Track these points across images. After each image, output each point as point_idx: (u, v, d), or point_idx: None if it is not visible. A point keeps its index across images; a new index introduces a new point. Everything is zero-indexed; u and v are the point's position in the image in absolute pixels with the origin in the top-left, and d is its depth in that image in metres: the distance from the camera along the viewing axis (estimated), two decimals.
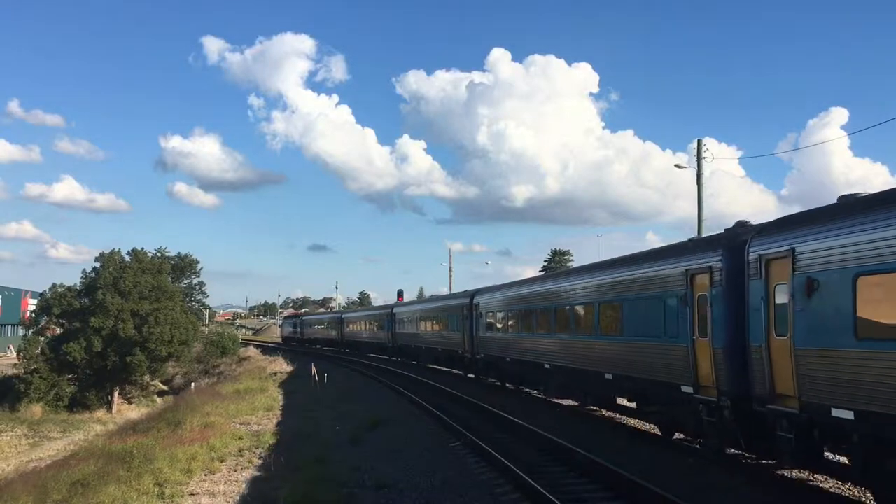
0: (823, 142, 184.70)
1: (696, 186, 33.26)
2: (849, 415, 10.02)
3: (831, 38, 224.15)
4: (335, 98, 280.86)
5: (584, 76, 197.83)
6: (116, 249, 55.45)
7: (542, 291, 24.52)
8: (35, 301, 70.15)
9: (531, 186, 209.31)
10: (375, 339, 58.96)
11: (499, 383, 31.43)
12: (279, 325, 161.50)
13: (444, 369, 41.17)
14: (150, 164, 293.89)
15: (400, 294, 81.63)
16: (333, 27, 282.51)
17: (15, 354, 60.90)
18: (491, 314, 30.38)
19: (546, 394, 24.81)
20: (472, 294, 34.09)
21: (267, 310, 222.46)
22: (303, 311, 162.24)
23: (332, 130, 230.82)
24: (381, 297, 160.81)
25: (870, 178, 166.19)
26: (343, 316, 75.65)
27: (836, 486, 12.36)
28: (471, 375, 35.34)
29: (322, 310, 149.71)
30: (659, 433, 17.53)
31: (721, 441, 14.09)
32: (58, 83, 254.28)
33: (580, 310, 20.71)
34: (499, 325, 29.36)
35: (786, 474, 13.26)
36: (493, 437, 17.76)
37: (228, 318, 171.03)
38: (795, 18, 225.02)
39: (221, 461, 19.24)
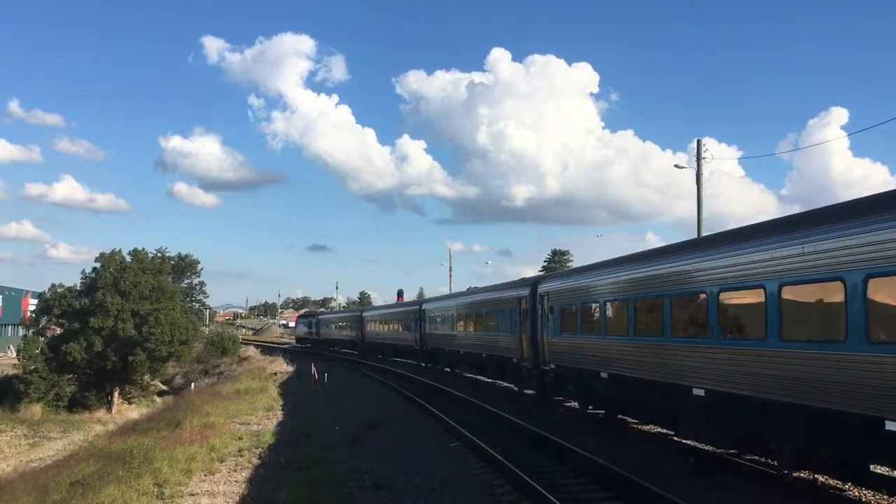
0: (823, 142, 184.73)
1: (695, 186, 33.25)
2: None
3: (831, 38, 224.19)
4: (335, 98, 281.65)
5: (584, 76, 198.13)
6: (117, 249, 55.47)
7: (688, 269, 14.52)
8: (35, 301, 70.13)
9: (531, 186, 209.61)
10: (401, 341, 50.82)
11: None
12: (279, 325, 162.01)
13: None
14: (150, 164, 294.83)
15: (400, 294, 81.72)
16: (333, 27, 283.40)
17: (15, 354, 60.89)
18: (571, 308, 21.03)
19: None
20: (535, 282, 25.70)
21: (267, 310, 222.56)
22: (303, 310, 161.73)
23: (332, 130, 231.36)
24: (381, 297, 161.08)
25: (869, 178, 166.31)
26: (363, 314, 66.17)
27: (836, 485, 12.35)
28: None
29: (323, 309, 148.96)
30: None
31: None
32: (58, 83, 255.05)
33: (807, 294, 11.23)
34: (588, 324, 19.85)
35: (784, 473, 13.25)
36: None
37: (228, 318, 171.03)
38: (795, 18, 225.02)
39: (221, 461, 19.26)
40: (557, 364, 22.44)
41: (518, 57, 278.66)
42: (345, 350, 69.80)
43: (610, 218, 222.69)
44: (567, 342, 21.54)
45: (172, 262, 72.31)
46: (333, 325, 78.69)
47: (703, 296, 13.84)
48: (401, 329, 50.86)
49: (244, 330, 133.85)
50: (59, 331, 54.38)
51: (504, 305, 28.58)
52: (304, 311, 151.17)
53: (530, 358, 25.12)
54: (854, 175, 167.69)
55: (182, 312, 57.42)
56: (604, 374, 18.52)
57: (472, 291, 39.25)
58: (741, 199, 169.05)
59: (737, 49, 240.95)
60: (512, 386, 29.26)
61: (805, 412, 10.91)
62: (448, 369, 39.07)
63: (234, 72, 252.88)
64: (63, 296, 53.25)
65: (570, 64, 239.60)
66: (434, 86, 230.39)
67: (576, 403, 22.27)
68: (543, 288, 24.09)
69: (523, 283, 27.91)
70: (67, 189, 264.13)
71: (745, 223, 14.71)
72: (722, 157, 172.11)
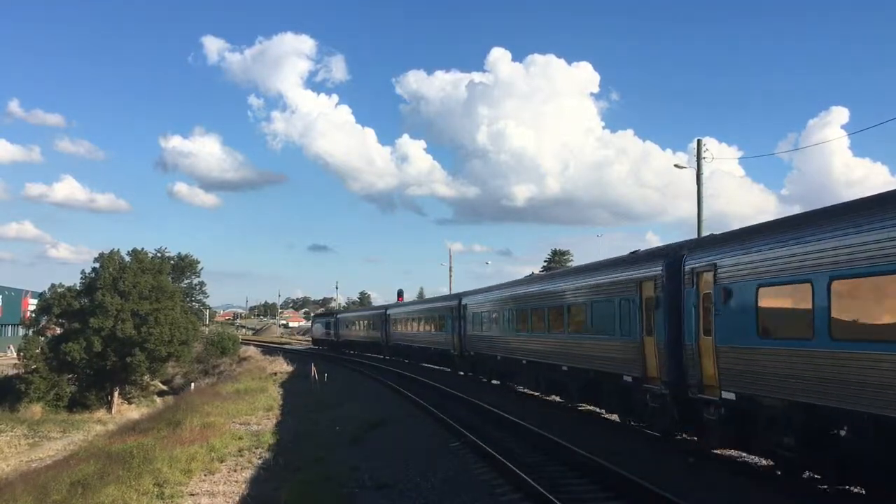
0: (823, 142, 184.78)
1: (696, 186, 33.25)
2: None
3: (831, 38, 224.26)
4: (335, 98, 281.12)
5: (585, 76, 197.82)
6: (116, 250, 55.55)
7: None
8: (35, 301, 70.17)
9: (531, 186, 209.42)
10: (434, 344, 42.19)
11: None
12: (279, 325, 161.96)
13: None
14: (150, 164, 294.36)
15: (400, 294, 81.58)
16: (333, 27, 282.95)
17: (15, 354, 60.94)
18: (794, 290, 11.84)
19: None
20: (673, 253, 16.15)
21: (267, 310, 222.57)
22: (304, 308, 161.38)
23: (332, 130, 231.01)
24: (381, 297, 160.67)
25: (870, 178, 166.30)
26: (388, 312, 56.67)
27: (837, 485, 12.33)
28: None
29: (317, 306, 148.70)
30: None
31: None
32: (58, 83, 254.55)
33: None
34: (863, 322, 10.56)
35: (784, 473, 13.24)
36: None
37: (228, 318, 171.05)
38: (795, 18, 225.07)
39: (221, 461, 19.28)
40: (742, 392, 13.00)
41: (518, 57, 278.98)
42: (367, 353, 61.16)
43: (610, 218, 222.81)
44: (772, 354, 12.15)
45: (172, 262, 72.32)
46: (354, 326, 69.34)
47: None
48: (433, 329, 42.52)
49: (244, 330, 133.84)
50: (59, 331, 54.46)
51: (607, 294, 19.04)
52: (318, 309, 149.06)
53: (666, 377, 15.68)
54: (854, 175, 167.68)
55: (182, 312, 57.42)
56: None
57: (536, 278, 28.69)
58: (742, 198, 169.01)
59: (737, 49, 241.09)
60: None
61: None
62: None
63: (234, 72, 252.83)
64: (63, 296, 53.29)
65: (570, 63, 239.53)
66: (434, 86, 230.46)
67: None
68: (703, 260, 14.41)
69: (649, 256, 17.75)
70: (67, 189, 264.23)
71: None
72: (722, 157, 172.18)
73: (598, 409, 21.50)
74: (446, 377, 36.14)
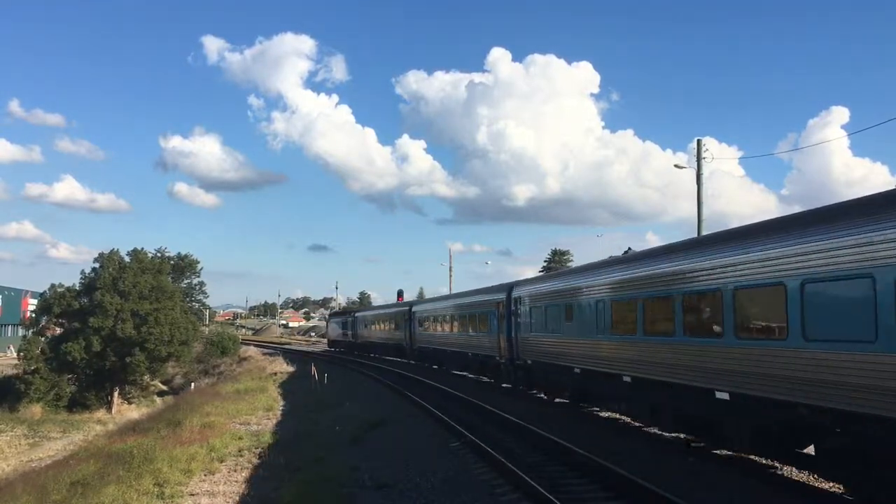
0: (823, 142, 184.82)
1: (696, 186, 33.26)
2: None
3: (831, 38, 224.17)
4: (335, 98, 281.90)
5: (585, 76, 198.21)
6: (116, 250, 55.63)
7: None
8: (35, 301, 70.18)
9: (532, 186, 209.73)
10: (472, 349, 34.15)
11: None
12: (279, 325, 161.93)
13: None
14: (150, 164, 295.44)
15: (400, 294, 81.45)
16: (333, 27, 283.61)
17: (15, 354, 60.95)
18: None
19: None
20: None
21: (267, 310, 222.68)
22: (304, 306, 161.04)
23: (333, 130, 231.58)
24: (381, 297, 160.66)
25: (870, 177, 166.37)
26: (413, 309, 47.95)
27: (836, 487, 12.34)
28: None
29: (317, 306, 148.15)
30: None
31: None
32: (58, 83, 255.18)
33: None
34: None
35: (784, 473, 13.25)
36: None
37: (228, 318, 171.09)
38: (795, 18, 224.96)
39: (221, 461, 19.27)
40: None
41: (518, 57, 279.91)
42: (388, 357, 53.65)
43: (610, 218, 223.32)
44: None
45: (172, 262, 72.34)
46: (375, 325, 60.69)
47: None
48: (471, 330, 34.52)
49: (244, 330, 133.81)
50: (58, 331, 54.49)
51: (857, 263, 10.03)
52: (318, 309, 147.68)
53: None
54: (854, 175, 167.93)
55: (182, 312, 57.45)
56: None
57: (653, 253, 17.73)
58: (742, 198, 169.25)
59: (737, 49, 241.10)
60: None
61: None
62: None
63: (234, 72, 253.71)
64: (62, 296, 53.31)
65: (570, 63, 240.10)
66: (434, 86, 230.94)
67: None
68: None
69: None
70: (68, 189, 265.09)
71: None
72: (722, 157, 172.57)
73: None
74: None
